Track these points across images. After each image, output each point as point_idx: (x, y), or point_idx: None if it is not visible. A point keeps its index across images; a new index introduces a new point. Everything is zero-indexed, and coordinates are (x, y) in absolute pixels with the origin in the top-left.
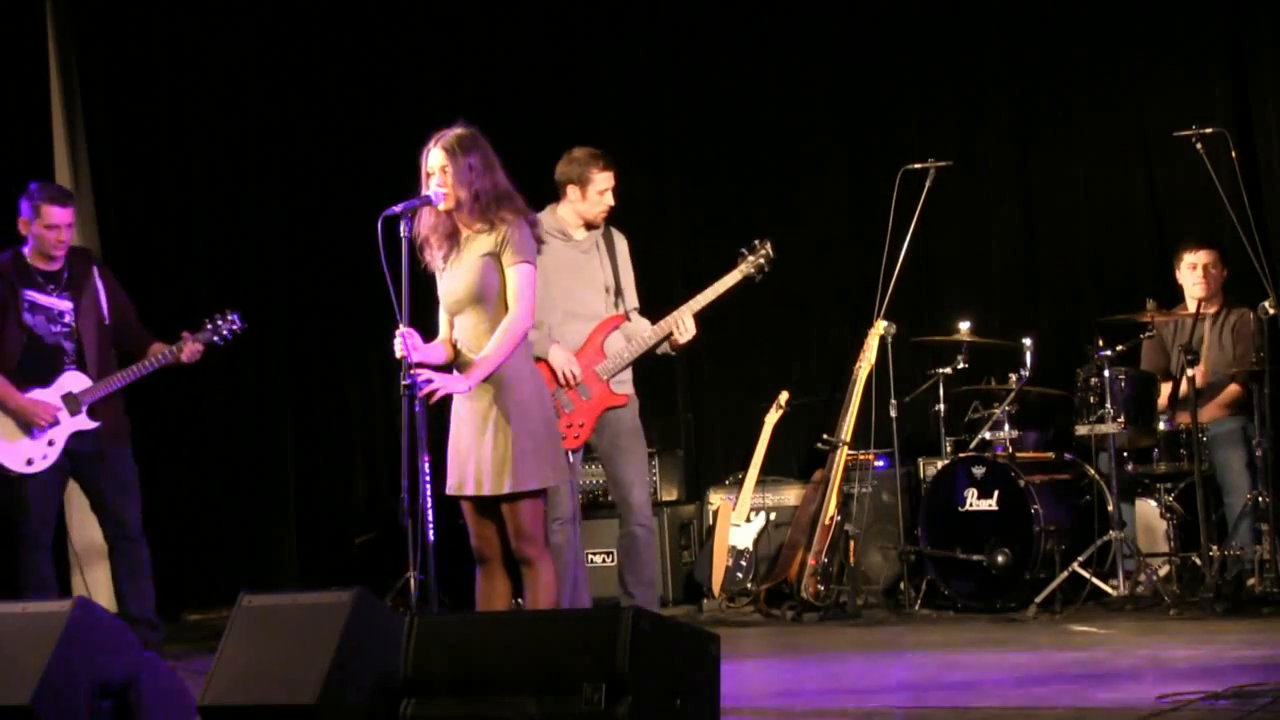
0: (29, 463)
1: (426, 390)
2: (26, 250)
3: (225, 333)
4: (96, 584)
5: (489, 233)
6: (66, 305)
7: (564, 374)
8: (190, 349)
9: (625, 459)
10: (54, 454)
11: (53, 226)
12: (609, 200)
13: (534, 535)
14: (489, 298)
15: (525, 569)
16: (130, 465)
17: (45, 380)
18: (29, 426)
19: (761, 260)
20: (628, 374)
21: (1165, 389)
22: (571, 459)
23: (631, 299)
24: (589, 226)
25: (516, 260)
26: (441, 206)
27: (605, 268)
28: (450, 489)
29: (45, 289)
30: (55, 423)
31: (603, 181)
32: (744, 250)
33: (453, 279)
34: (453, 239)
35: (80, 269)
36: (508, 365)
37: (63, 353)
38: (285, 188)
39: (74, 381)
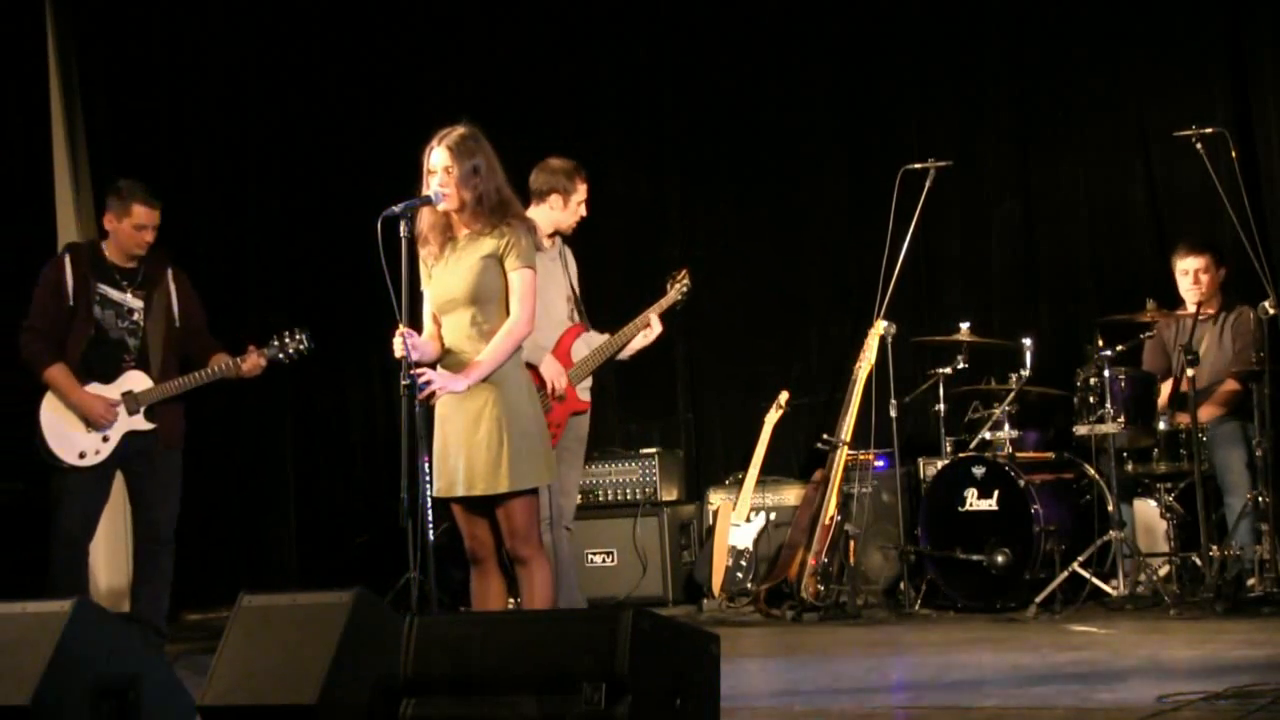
0: (81, 456)
1: (428, 392)
2: (107, 244)
3: (291, 351)
4: (97, 585)
5: (490, 235)
6: (137, 304)
7: (552, 385)
8: (252, 361)
9: (572, 466)
10: (106, 451)
11: (141, 227)
12: (583, 211)
13: (529, 535)
14: (486, 299)
15: (520, 569)
16: (176, 469)
17: (108, 377)
18: (87, 421)
19: (684, 287)
20: (588, 383)
21: (1165, 388)
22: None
23: (581, 312)
24: (556, 234)
25: (520, 265)
26: (443, 207)
27: (566, 278)
28: (440, 491)
29: (119, 285)
30: (114, 420)
31: (583, 193)
32: (671, 276)
33: (448, 278)
34: (449, 238)
35: (156, 269)
36: (504, 368)
37: (125, 349)
38: (285, 188)
39: (136, 381)
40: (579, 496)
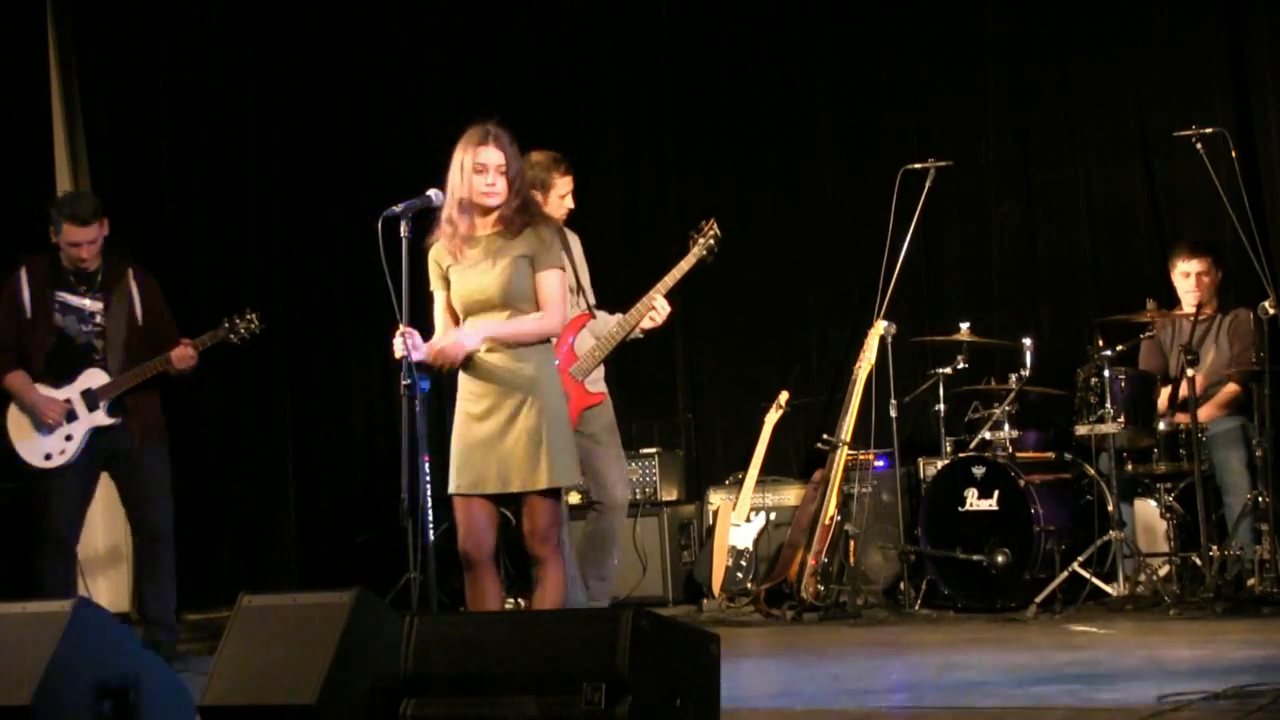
0: (47, 458)
1: (433, 352)
2: (62, 254)
3: (243, 332)
4: (96, 586)
5: (520, 236)
6: (97, 306)
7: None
8: (179, 353)
9: (606, 455)
10: (71, 450)
11: (74, 244)
12: (569, 204)
13: (549, 534)
14: (520, 299)
15: (537, 568)
16: (162, 465)
17: (69, 378)
18: (41, 422)
19: (711, 240)
20: (600, 372)
21: (1164, 392)
22: None
23: (589, 297)
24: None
25: (551, 265)
26: (492, 203)
27: (568, 269)
28: (464, 487)
29: (77, 290)
30: (71, 419)
31: (564, 186)
32: (693, 233)
33: (479, 278)
34: (474, 237)
35: (116, 271)
36: (541, 368)
37: (93, 351)
38: (285, 188)
39: (93, 378)
40: (577, 496)
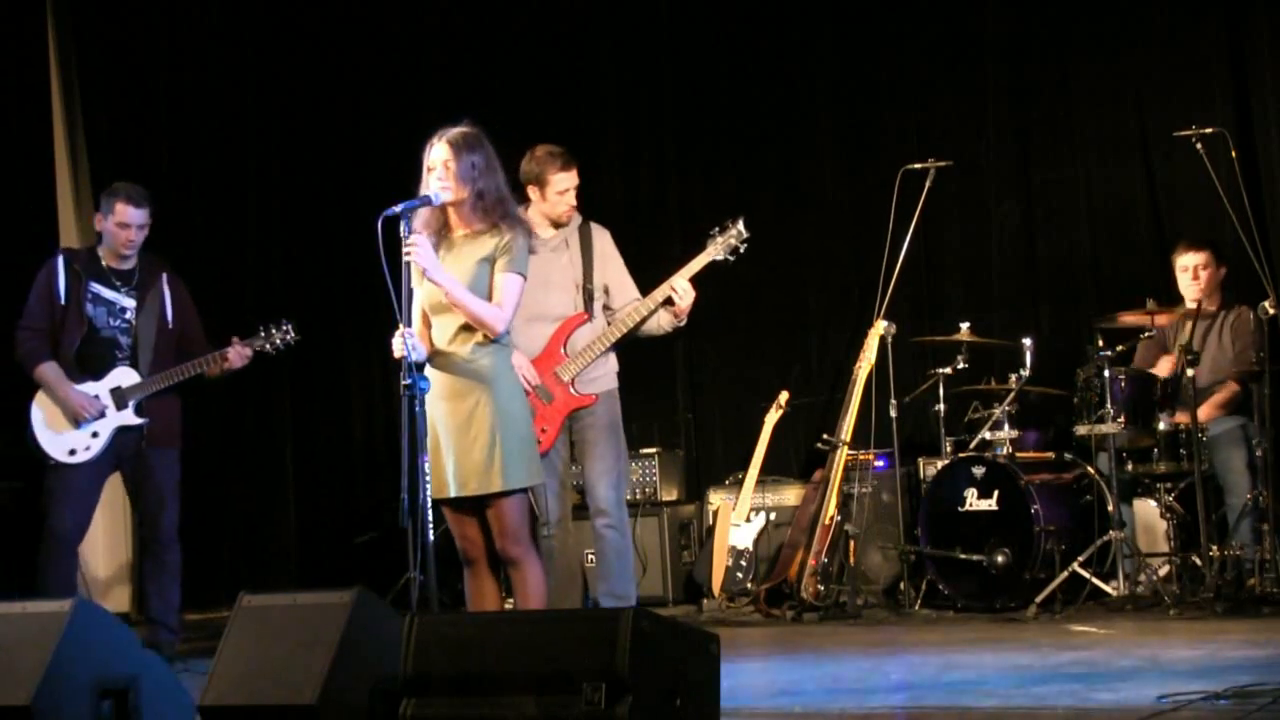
0: (71, 453)
1: (409, 247)
2: (101, 247)
3: (278, 342)
4: (96, 585)
5: (487, 235)
6: (130, 303)
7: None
8: (236, 352)
9: (591, 456)
10: (97, 447)
11: (124, 225)
12: (570, 200)
13: (519, 535)
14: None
15: (512, 569)
16: (172, 468)
17: (98, 373)
18: (74, 417)
19: (733, 240)
20: (603, 370)
21: (1164, 361)
22: (555, 461)
23: (628, 292)
24: (555, 225)
25: (510, 269)
26: (443, 199)
27: (575, 265)
28: (433, 492)
29: (113, 284)
30: (100, 415)
31: (562, 182)
32: (713, 232)
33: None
34: (443, 236)
35: (151, 272)
36: (495, 366)
37: (117, 346)
38: (285, 188)
39: (124, 377)
40: (575, 495)
